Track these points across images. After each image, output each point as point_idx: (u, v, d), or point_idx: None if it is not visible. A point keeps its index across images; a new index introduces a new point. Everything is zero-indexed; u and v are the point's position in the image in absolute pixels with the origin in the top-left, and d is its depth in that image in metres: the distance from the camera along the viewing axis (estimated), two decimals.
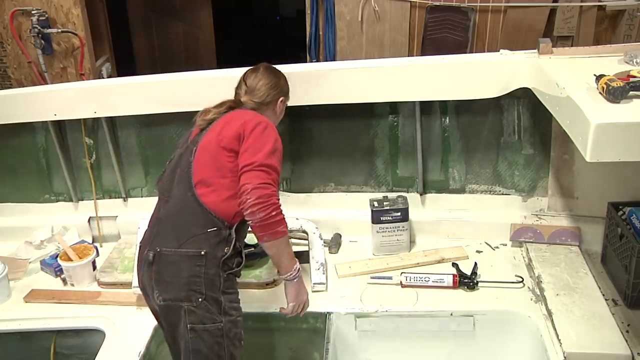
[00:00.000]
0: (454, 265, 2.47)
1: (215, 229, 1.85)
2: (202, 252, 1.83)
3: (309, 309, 2.32)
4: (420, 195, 2.78)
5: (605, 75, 1.72)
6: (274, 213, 1.78)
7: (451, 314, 2.30)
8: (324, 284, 2.43)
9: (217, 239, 1.85)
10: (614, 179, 2.46)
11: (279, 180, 1.87)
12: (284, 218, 1.83)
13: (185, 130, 2.77)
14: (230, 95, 2.16)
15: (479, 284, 2.37)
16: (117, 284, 2.52)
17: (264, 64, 2.20)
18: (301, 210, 2.72)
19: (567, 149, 2.52)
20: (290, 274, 1.94)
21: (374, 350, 2.39)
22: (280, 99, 2.15)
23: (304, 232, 2.62)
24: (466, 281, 2.36)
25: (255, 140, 1.87)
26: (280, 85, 2.16)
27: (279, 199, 1.82)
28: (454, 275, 2.38)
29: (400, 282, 2.39)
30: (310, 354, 2.38)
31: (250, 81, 2.12)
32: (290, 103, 2.25)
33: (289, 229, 2.25)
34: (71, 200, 2.95)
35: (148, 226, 2.01)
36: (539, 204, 2.69)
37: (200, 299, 1.83)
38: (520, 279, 2.39)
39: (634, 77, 1.78)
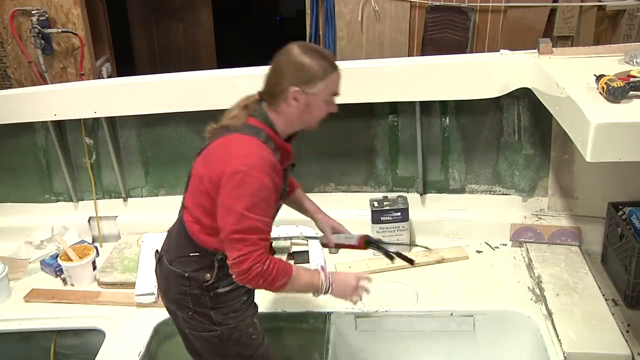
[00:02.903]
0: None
1: (197, 254, 1.79)
2: (186, 275, 1.80)
3: (309, 309, 2.33)
4: (420, 195, 2.78)
5: (605, 75, 1.72)
6: (261, 281, 1.65)
7: (451, 314, 2.30)
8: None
9: (199, 264, 1.79)
10: (614, 179, 2.46)
11: (266, 229, 1.66)
12: (279, 271, 1.66)
13: (185, 131, 2.80)
14: (230, 95, 2.13)
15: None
16: (117, 284, 2.51)
17: (295, 43, 1.70)
18: None
19: (567, 149, 2.52)
20: (322, 291, 1.79)
21: (374, 350, 2.39)
22: (293, 89, 1.65)
23: (304, 238, 2.63)
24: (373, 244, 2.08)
25: (229, 195, 1.63)
26: (292, 67, 1.66)
27: (264, 256, 1.64)
28: (363, 237, 2.09)
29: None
30: (310, 354, 2.38)
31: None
32: None
33: (289, 235, 2.25)
34: (71, 200, 2.95)
35: None
36: (539, 204, 2.69)
37: (190, 313, 1.83)
38: (426, 247, 2.39)
39: (634, 77, 1.78)
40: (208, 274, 1.78)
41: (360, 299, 1.84)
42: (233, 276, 1.67)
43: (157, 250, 1.93)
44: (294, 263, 2.60)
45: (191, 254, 1.80)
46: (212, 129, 1.77)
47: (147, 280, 2.38)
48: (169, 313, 1.97)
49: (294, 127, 1.78)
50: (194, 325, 1.87)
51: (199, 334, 1.87)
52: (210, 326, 1.84)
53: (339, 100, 2.52)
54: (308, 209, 2.12)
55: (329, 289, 1.78)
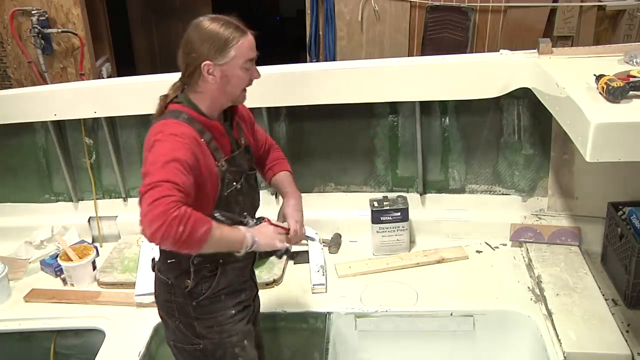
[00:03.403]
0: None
1: (174, 260, 1.75)
2: (169, 282, 1.77)
3: (309, 309, 2.33)
4: (420, 195, 2.78)
5: (605, 75, 1.72)
6: (181, 228, 1.42)
7: (451, 314, 2.30)
8: (323, 284, 2.43)
9: (178, 271, 1.75)
10: (614, 179, 2.46)
11: (181, 185, 1.47)
12: (197, 218, 1.47)
13: None
14: None
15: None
16: (117, 284, 2.52)
17: (200, 17, 1.65)
18: None
19: (567, 149, 2.52)
20: (248, 242, 1.64)
21: (374, 350, 2.39)
22: (205, 63, 1.60)
23: (304, 238, 2.62)
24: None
25: (144, 163, 1.54)
26: (198, 41, 1.60)
27: (179, 204, 1.44)
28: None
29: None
30: (310, 354, 2.38)
31: None
32: (290, 103, 2.21)
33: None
34: (71, 200, 2.95)
35: None
36: (539, 204, 2.69)
37: (176, 322, 1.80)
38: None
39: (634, 77, 1.78)
40: (188, 280, 1.74)
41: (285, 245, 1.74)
42: (147, 232, 1.42)
43: (153, 258, 1.89)
44: (294, 263, 2.61)
45: (169, 261, 1.76)
46: None
47: (147, 280, 2.37)
48: (162, 322, 1.92)
49: (221, 103, 1.69)
50: (179, 337, 1.82)
51: (183, 347, 1.83)
52: (194, 339, 1.79)
53: (339, 99, 2.56)
54: (282, 191, 1.94)
55: (253, 241, 1.64)
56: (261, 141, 1.96)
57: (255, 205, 1.88)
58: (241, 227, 1.67)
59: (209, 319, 1.78)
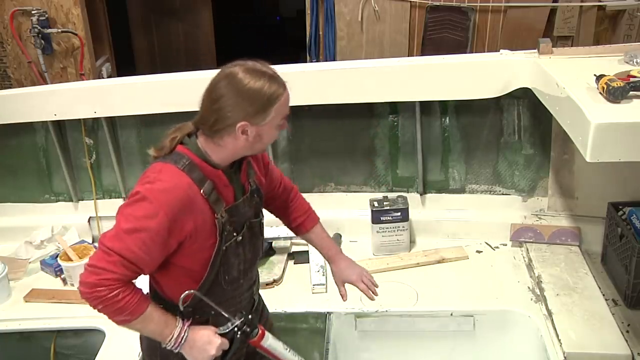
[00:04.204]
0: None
1: (160, 304, 1.61)
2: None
3: (309, 309, 2.32)
4: (420, 195, 2.78)
5: (605, 75, 1.72)
6: (100, 307, 1.43)
7: (451, 314, 2.30)
8: (323, 284, 2.43)
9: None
10: (614, 179, 2.46)
11: (137, 263, 1.44)
12: (127, 305, 1.44)
13: None
14: None
15: None
16: None
17: (234, 66, 1.49)
18: None
19: (567, 149, 2.52)
20: (170, 345, 1.54)
21: (374, 350, 2.39)
22: (241, 124, 1.45)
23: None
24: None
25: (121, 210, 1.51)
26: (238, 98, 1.45)
27: (118, 284, 1.43)
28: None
29: None
30: (310, 354, 2.38)
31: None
32: (290, 103, 2.20)
33: (289, 235, 2.11)
34: (71, 200, 2.95)
35: None
36: (539, 204, 2.69)
37: (143, 346, 1.74)
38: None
39: (634, 77, 1.78)
40: None
41: None
42: (79, 289, 1.45)
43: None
44: (294, 263, 2.61)
45: (155, 300, 1.64)
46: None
47: (147, 281, 2.37)
48: None
49: (240, 155, 1.57)
50: (146, 347, 1.73)
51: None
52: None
53: (339, 99, 2.56)
54: (323, 253, 1.90)
55: (178, 346, 1.53)
56: (275, 181, 1.83)
57: (257, 255, 1.73)
58: (178, 327, 1.54)
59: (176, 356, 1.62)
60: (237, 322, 1.60)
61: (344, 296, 1.89)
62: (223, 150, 1.51)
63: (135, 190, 1.47)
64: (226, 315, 1.59)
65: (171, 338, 1.52)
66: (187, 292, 1.55)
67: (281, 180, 1.86)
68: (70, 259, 2.54)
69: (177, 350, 1.55)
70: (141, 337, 1.75)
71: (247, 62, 1.48)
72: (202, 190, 1.48)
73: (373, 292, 1.86)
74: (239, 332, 1.60)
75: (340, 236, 2.76)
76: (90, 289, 1.42)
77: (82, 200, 2.95)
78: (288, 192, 1.88)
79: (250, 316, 1.64)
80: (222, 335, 1.59)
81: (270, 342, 1.67)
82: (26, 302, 2.48)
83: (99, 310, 1.46)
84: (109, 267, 1.42)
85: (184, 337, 1.54)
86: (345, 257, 1.90)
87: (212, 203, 1.50)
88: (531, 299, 2.31)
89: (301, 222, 1.88)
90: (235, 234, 1.58)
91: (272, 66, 1.52)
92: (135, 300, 1.47)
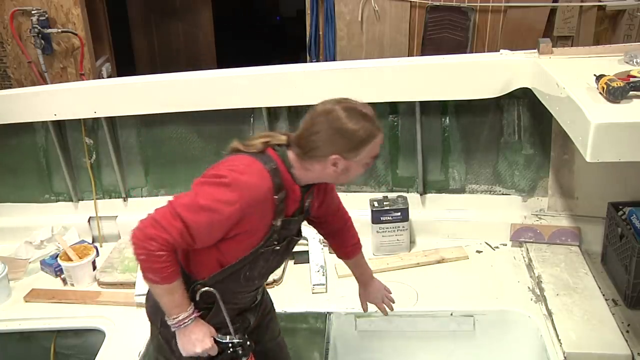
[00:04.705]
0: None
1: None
2: None
3: (309, 309, 2.32)
4: (420, 195, 2.78)
5: (605, 75, 1.72)
6: (142, 257, 1.49)
7: (451, 314, 2.30)
8: (323, 284, 2.43)
9: None
10: (614, 179, 2.46)
11: (194, 234, 1.49)
12: (163, 268, 1.50)
13: (185, 131, 2.80)
14: (230, 95, 2.11)
15: None
16: (117, 284, 2.51)
17: (336, 103, 1.55)
18: None
19: (567, 149, 2.52)
20: (173, 323, 1.59)
21: (374, 350, 2.39)
22: (334, 157, 1.53)
23: (304, 238, 2.62)
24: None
25: (199, 183, 1.53)
26: (336, 134, 1.52)
27: (166, 246, 1.48)
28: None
29: None
30: (310, 354, 2.38)
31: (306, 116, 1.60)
32: (290, 103, 2.20)
33: None
34: (71, 200, 2.95)
35: None
36: (539, 204, 2.69)
37: (157, 332, 1.76)
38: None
39: (634, 77, 1.78)
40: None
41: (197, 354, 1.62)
42: (131, 235, 1.50)
43: None
44: (294, 263, 2.61)
45: None
46: (229, 150, 1.64)
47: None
48: (149, 321, 1.86)
49: (320, 181, 1.67)
50: (156, 347, 1.79)
51: (157, 358, 1.80)
52: (170, 355, 1.71)
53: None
54: (357, 276, 2.01)
55: (177, 327, 1.59)
56: (334, 207, 1.88)
57: (279, 266, 1.90)
58: (188, 312, 1.59)
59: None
60: (235, 340, 1.66)
61: (365, 310, 2.03)
62: (309, 173, 1.60)
63: (222, 172, 1.51)
64: (230, 328, 1.65)
65: (176, 317, 1.58)
66: (206, 288, 1.62)
67: (339, 208, 1.92)
68: (70, 259, 2.54)
69: (173, 329, 1.61)
70: (148, 295, 1.79)
71: (348, 100, 1.57)
72: (276, 197, 1.56)
73: (389, 309, 2.00)
74: (231, 349, 1.65)
75: None
76: (144, 239, 1.48)
77: (82, 200, 2.95)
78: (343, 221, 1.94)
79: (248, 343, 1.69)
80: (216, 342, 1.63)
81: None
82: (26, 302, 2.49)
83: (139, 260, 1.51)
84: (170, 229, 1.47)
85: (186, 323, 1.59)
86: (376, 280, 2.02)
87: (277, 210, 1.59)
88: (531, 299, 2.31)
89: (347, 251, 1.98)
90: (276, 242, 1.65)
91: (365, 105, 1.58)
92: (172, 269, 1.53)
